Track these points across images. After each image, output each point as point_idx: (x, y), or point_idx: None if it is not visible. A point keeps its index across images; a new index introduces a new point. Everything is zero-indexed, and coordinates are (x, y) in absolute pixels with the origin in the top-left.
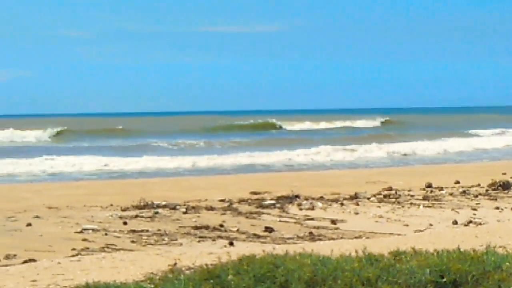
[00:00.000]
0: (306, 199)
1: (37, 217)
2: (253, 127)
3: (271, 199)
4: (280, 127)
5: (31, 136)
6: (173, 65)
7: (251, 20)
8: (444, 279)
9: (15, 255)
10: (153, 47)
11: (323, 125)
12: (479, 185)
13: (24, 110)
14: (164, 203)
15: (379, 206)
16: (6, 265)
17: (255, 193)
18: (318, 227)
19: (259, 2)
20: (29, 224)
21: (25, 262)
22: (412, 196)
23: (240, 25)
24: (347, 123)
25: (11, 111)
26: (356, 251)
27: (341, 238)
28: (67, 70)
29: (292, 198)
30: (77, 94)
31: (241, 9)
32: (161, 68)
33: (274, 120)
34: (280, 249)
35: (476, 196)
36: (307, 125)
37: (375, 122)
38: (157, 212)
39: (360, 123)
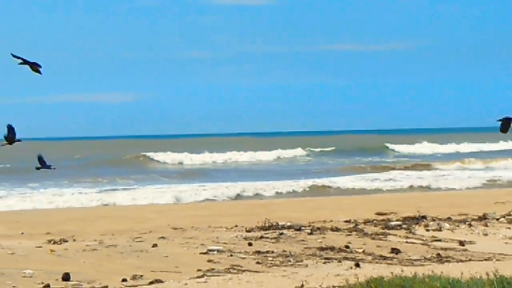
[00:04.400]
0: (433, 220)
1: (162, 238)
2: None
3: (397, 220)
4: None
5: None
6: (296, 85)
7: (367, 38)
8: None
9: (141, 276)
10: (274, 67)
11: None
12: None
13: (158, 131)
14: (289, 224)
15: (509, 227)
16: (134, 286)
17: (380, 214)
18: (445, 249)
19: (377, 21)
20: (154, 245)
21: (151, 283)
22: None
23: (357, 44)
24: None
25: (146, 132)
26: (487, 274)
27: (470, 260)
28: (193, 91)
29: (418, 219)
30: (203, 115)
31: (359, 28)
32: (283, 88)
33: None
34: (408, 271)
35: None
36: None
37: None
38: (282, 233)
39: None
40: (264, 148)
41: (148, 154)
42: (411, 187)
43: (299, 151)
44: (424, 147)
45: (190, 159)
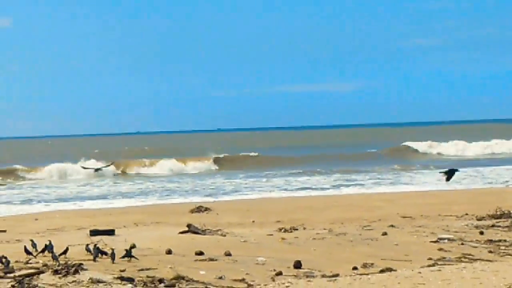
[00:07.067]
0: None
1: (391, 226)
2: None
3: None
4: None
5: None
6: None
7: None
8: None
9: (372, 264)
10: (504, 52)
11: None
12: None
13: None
14: None
15: None
16: (365, 274)
17: None
18: None
19: None
20: (384, 233)
21: (382, 271)
22: None
23: None
24: None
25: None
26: None
27: None
28: (417, 79)
29: None
30: (429, 103)
31: None
32: None
33: None
34: None
35: None
36: None
37: None
38: None
39: None
40: None
41: (409, 144)
42: None
43: None
44: None
45: (457, 149)
